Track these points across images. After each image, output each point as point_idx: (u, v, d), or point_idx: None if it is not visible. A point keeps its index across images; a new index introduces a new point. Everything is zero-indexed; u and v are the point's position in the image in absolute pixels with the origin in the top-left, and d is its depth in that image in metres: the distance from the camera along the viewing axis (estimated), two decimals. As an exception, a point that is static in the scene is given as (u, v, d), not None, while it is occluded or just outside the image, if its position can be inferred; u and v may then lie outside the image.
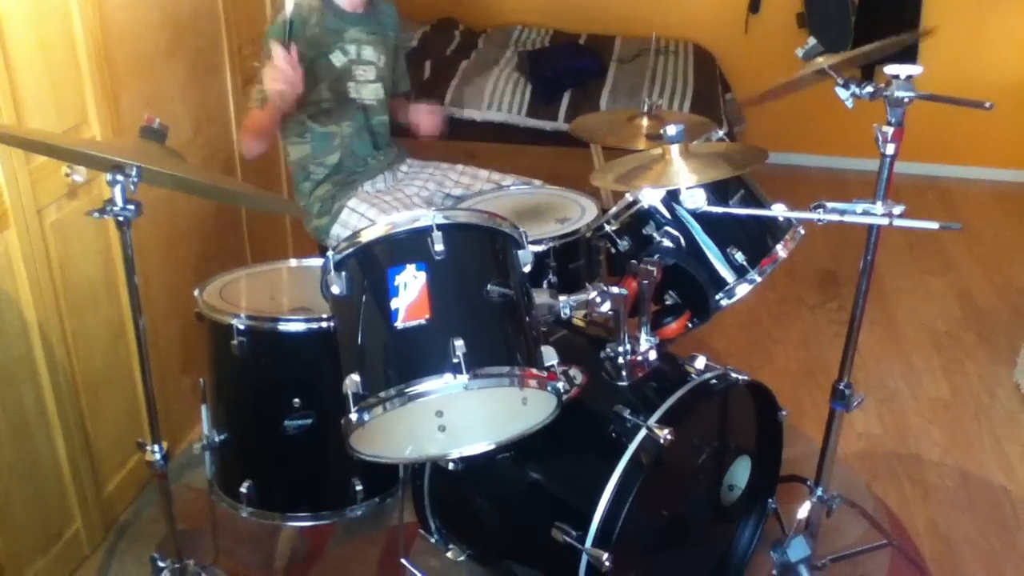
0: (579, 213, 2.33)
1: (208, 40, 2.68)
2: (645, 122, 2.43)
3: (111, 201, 1.53)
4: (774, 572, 1.98)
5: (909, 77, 1.64)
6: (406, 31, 4.71)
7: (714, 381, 1.82)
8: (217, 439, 1.95)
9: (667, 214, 1.97)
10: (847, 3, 4.58)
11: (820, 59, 1.84)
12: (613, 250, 2.08)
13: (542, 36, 4.89)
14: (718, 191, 1.88)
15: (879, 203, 1.66)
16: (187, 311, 2.02)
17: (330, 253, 1.65)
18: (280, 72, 2.18)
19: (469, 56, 4.61)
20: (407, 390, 1.51)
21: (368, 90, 2.51)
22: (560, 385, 1.61)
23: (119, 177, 1.50)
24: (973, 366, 3.12)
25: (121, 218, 1.53)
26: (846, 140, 4.67)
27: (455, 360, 1.49)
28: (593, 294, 1.76)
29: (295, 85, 2.21)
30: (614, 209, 2.04)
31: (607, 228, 2.03)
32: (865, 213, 1.64)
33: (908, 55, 4.39)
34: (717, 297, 1.96)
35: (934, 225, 1.55)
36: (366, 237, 1.62)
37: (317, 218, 2.51)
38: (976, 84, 4.48)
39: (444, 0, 5.06)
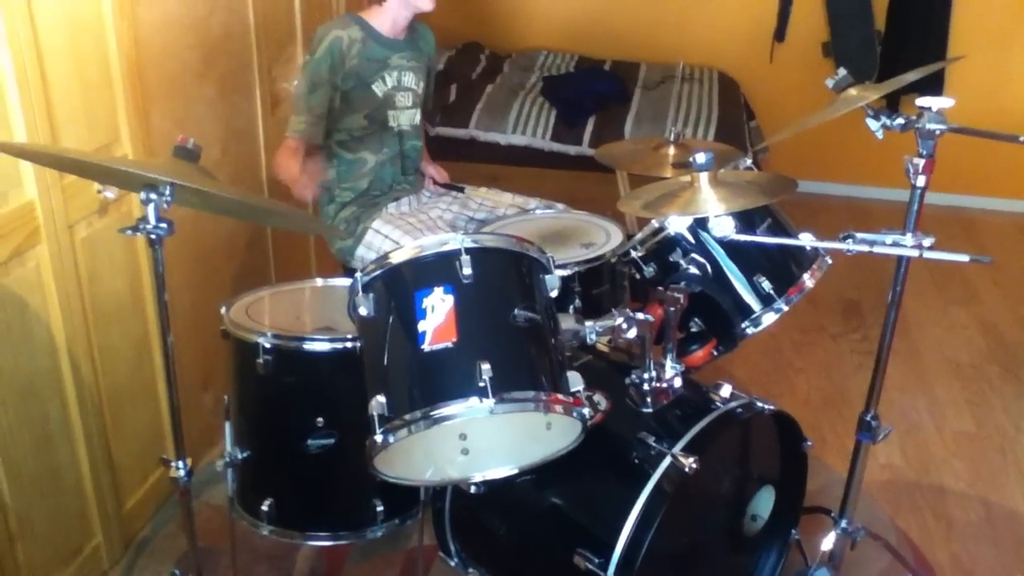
0: (604, 238, 2.34)
1: (238, 61, 2.71)
2: (672, 150, 2.43)
3: (144, 219, 1.54)
4: (797, 604, 1.96)
5: (940, 109, 1.63)
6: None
7: (739, 410, 1.81)
8: (239, 456, 1.95)
9: (693, 241, 1.97)
10: (873, 33, 4.59)
11: (852, 90, 1.84)
12: (638, 276, 2.07)
13: (567, 61, 4.92)
14: (745, 219, 1.88)
15: (909, 234, 1.65)
16: (209, 328, 2.03)
17: (358, 274, 1.66)
18: (297, 185, 2.38)
19: (494, 80, 4.64)
20: (433, 413, 1.51)
21: (405, 116, 2.53)
22: (585, 411, 1.61)
23: (152, 195, 1.52)
24: (997, 399, 3.09)
25: (153, 236, 1.54)
26: (869, 169, 4.67)
27: (481, 384, 1.49)
28: (619, 320, 1.76)
29: (316, 181, 2.43)
30: (640, 235, 2.04)
31: (633, 254, 2.02)
32: (895, 244, 1.63)
33: (934, 85, 4.38)
34: (743, 325, 1.95)
35: (964, 258, 1.54)
36: (395, 259, 1.62)
37: (341, 240, 2.52)
38: (1002, 114, 4.47)
39: (470, 24, 5.10)
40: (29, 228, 1.87)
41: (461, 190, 2.72)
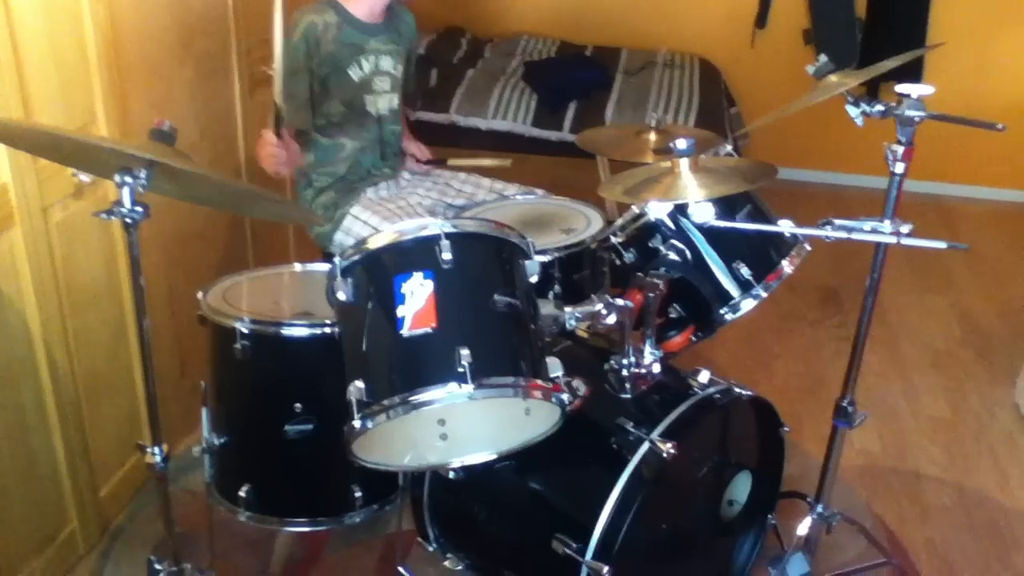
0: (584, 224, 2.33)
1: (216, 43, 2.68)
2: (653, 136, 2.43)
3: (119, 202, 1.52)
4: (773, 588, 1.98)
5: (920, 96, 1.64)
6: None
7: (717, 396, 1.82)
8: (217, 442, 1.94)
9: (673, 227, 1.97)
10: (854, 20, 4.60)
11: (833, 77, 1.84)
12: (618, 262, 2.07)
13: (548, 46, 4.90)
14: (725, 206, 1.88)
15: (887, 221, 1.66)
16: (186, 313, 2.02)
17: (337, 259, 1.65)
18: (274, 158, 2.21)
19: (475, 65, 4.62)
20: (411, 398, 1.51)
21: (384, 100, 2.51)
22: (564, 397, 1.61)
23: (127, 179, 1.50)
24: (973, 385, 3.12)
25: (129, 220, 1.52)
26: (847, 156, 4.68)
27: (460, 369, 1.49)
28: (599, 306, 1.76)
29: (292, 163, 2.31)
30: (620, 221, 2.04)
31: (613, 240, 2.02)
32: (873, 231, 1.64)
33: (913, 72, 4.40)
34: (722, 311, 1.96)
35: (942, 244, 1.55)
36: (373, 244, 1.61)
37: (320, 226, 2.51)
38: (981, 103, 4.49)
39: (451, 9, 5.07)
40: (2, 212, 1.84)
41: (444, 163, 2.71)
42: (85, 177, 1.99)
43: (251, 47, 2.86)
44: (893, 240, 1.64)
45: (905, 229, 1.65)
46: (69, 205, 2.04)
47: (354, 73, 2.42)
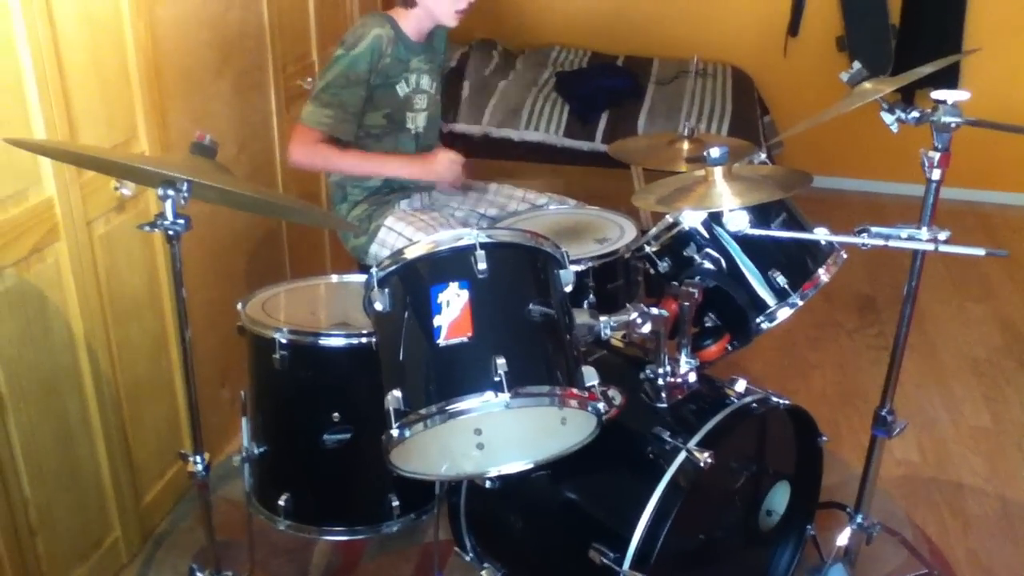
0: (618, 233, 2.34)
1: (254, 59, 2.73)
2: (686, 145, 2.43)
3: (162, 215, 1.55)
4: (812, 599, 1.96)
5: (956, 102, 1.63)
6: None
7: (754, 405, 1.81)
8: (256, 451, 1.97)
9: (707, 236, 1.97)
10: (887, 26, 4.57)
11: (867, 84, 1.83)
12: (652, 271, 2.07)
13: (580, 57, 4.91)
14: (760, 214, 1.88)
15: (924, 228, 1.65)
16: (225, 324, 2.05)
17: (374, 270, 1.66)
18: (454, 176, 2.48)
19: (507, 76, 4.64)
20: (448, 407, 1.52)
21: (422, 118, 2.54)
22: (600, 406, 1.61)
23: (170, 192, 1.53)
24: (1014, 394, 3.08)
25: (171, 232, 1.56)
26: (884, 164, 4.64)
27: (496, 378, 1.50)
28: (634, 315, 1.76)
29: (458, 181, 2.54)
30: (654, 230, 2.04)
31: (647, 249, 2.02)
32: (910, 238, 1.63)
33: (949, 78, 4.36)
34: (758, 320, 1.95)
35: (980, 251, 1.54)
36: (410, 254, 1.63)
37: (355, 237, 2.53)
38: (1017, 108, 4.44)
39: (483, 21, 5.10)
40: (48, 225, 1.88)
41: (484, 188, 2.72)
42: (127, 191, 2.05)
43: (287, 63, 2.90)
44: (931, 247, 1.62)
45: (943, 236, 1.64)
46: (112, 219, 2.08)
47: (400, 89, 2.44)
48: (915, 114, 1.70)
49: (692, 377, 1.84)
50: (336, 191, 2.57)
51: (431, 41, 2.54)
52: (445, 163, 2.47)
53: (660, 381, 1.82)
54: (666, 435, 1.71)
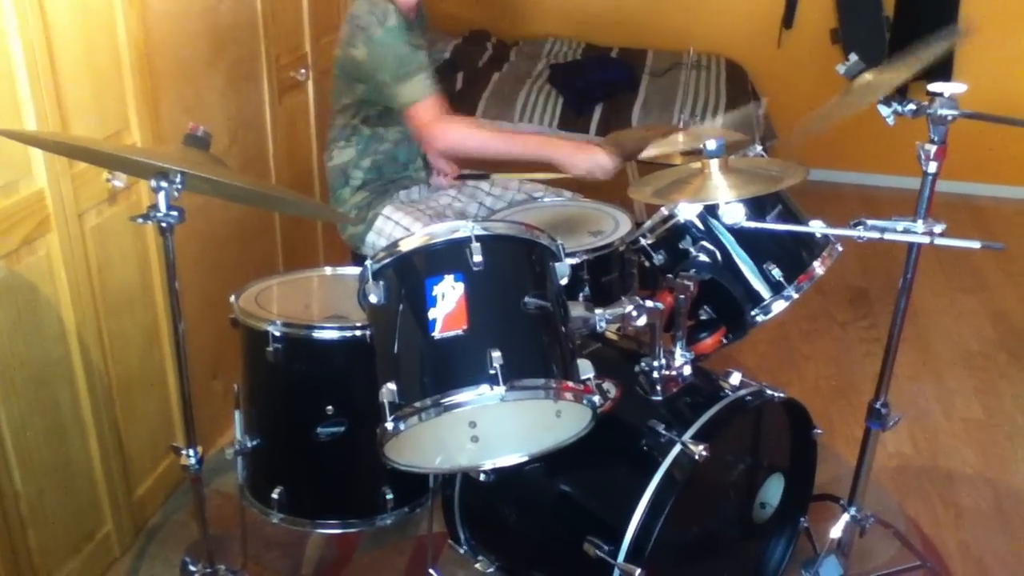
0: (613, 226, 2.33)
1: (247, 50, 2.71)
2: (681, 137, 2.42)
3: (154, 207, 1.54)
4: (806, 591, 1.97)
5: (953, 95, 1.62)
6: (439, 43, 4.75)
7: (749, 398, 1.81)
8: (249, 444, 1.96)
9: (703, 228, 1.96)
10: (882, 19, 4.56)
11: (868, 76, 1.82)
12: (647, 263, 2.07)
13: (574, 49, 4.90)
14: (756, 207, 1.87)
15: (920, 221, 1.65)
16: (218, 317, 2.04)
17: (368, 262, 1.66)
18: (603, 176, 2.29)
19: (501, 68, 4.63)
20: (443, 400, 1.52)
21: None
22: (596, 399, 1.61)
23: (163, 183, 1.52)
24: (1007, 386, 3.09)
25: (164, 224, 1.54)
26: (880, 157, 4.64)
27: (492, 371, 1.49)
28: (629, 308, 1.75)
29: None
30: (649, 223, 2.03)
31: (643, 241, 2.02)
32: (906, 231, 1.63)
33: (943, 70, 4.36)
34: (753, 313, 1.95)
35: (976, 244, 1.53)
36: (405, 247, 1.62)
37: (352, 226, 2.52)
38: (1011, 100, 4.44)
39: (477, 12, 5.09)
40: (39, 217, 1.87)
41: (486, 177, 2.70)
42: (119, 183, 2.03)
43: (280, 54, 2.88)
44: (927, 240, 1.62)
45: (938, 229, 1.64)
46: (104, 211, 2.07)
47: None
48: (912, 107, 1.69)
49: (687, 370, 1.84)
50: (337, 176, 2.53)
51: (420, 18, 2.53)
52: (605, 164, 2.29)
53: (655, 374, 1.81)
54: (661, 428, 1.72)
